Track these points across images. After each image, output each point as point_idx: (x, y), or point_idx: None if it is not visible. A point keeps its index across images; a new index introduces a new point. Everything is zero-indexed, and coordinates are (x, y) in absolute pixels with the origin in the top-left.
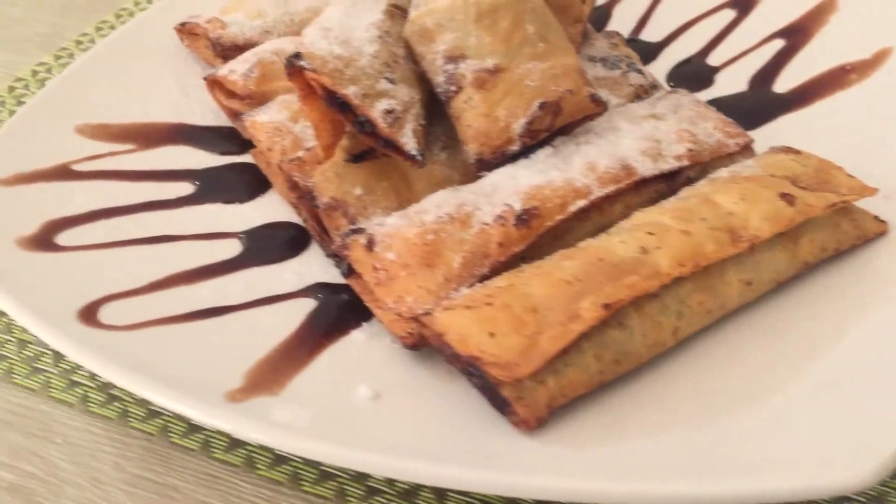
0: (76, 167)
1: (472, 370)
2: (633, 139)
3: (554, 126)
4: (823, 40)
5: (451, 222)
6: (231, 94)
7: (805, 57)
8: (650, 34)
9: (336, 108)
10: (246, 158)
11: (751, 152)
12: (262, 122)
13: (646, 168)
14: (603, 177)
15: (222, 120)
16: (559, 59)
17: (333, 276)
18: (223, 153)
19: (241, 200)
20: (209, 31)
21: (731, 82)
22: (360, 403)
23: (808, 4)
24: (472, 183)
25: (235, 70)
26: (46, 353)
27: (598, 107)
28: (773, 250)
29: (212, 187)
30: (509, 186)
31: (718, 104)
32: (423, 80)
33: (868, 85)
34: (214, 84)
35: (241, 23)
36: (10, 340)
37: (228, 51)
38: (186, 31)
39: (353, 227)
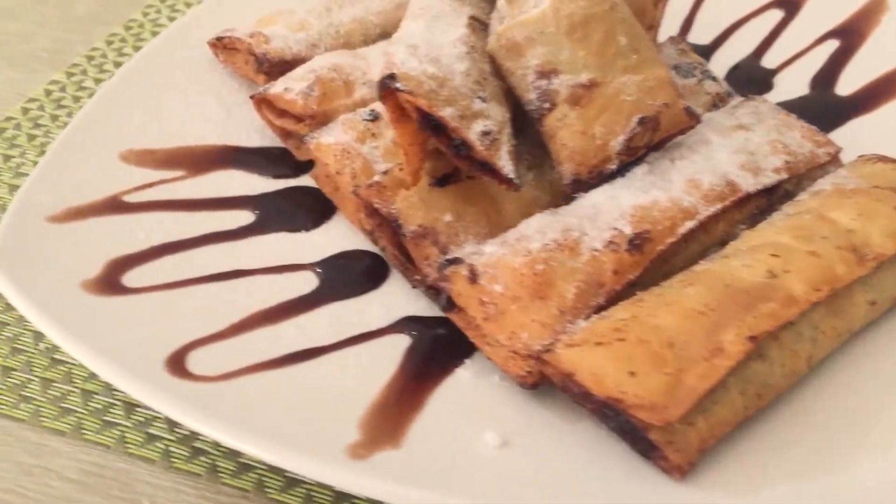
0: (128, 198)
1: (608, 412)
2: (727, 153)
3: (652, 142)
4: (879, 41)
5: (559, 250)
6: (282, 114)
7: (863, 58)
8: (696, 37)
9: (430, 131)
10: (302, 181)
11: (839, 161)
12: (329, 143)
13: (748, 184)
14: (708, 195)
15: (269, 140)
16: (652, 71)
17: (422, 308)
18: (276, 176)
19: (307, 228)
20: (253, 47)
21: (791, 85)
22: (489, 452)
23: (857, 4)
24: (565, 204)
25: (291, 88)
26: (116, 405)
27: (693, 120)
28: (894, 267)
29: (273, 214)
30: (612, 208)
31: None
32: (508, 97)
33: None
34: (262, 103)
35: (285, 36)
36: (73, 391)
37: (274, 67)
38: (223, 46)
39: (448, 257)
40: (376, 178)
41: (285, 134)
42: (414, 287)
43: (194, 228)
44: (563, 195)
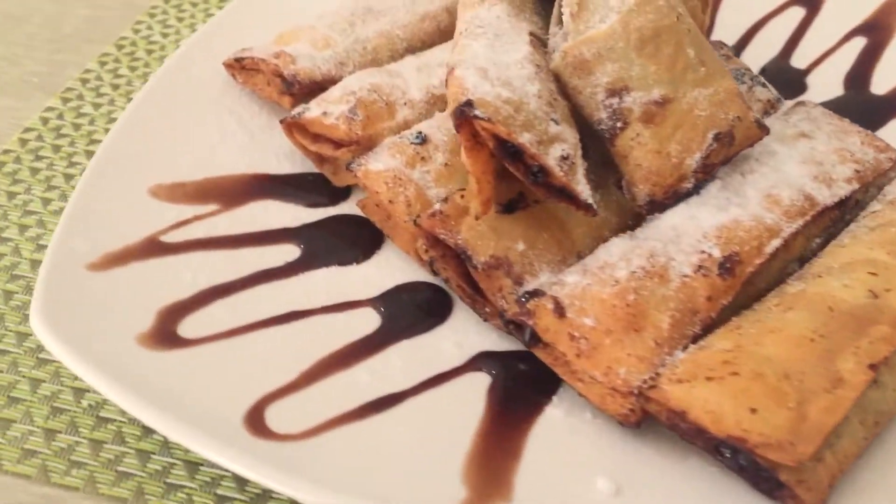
0: (165, 238)
1: (725, 450)
2: (796, 163)
3: (728, 158)
4: None
5: (648, 277)
6: (317, 138)
7: (894, 54)
8: (720, 37)
9: (507, 158)
10: (342, 209)
11: None
12: (378, 170)
13: (824, 196)
14: (789, 210)
15: (299, 165)
16: (720, 83)
17: (494, 341)
18: (314, 205)
19: (358, 260)
20: (281, 68)
21: (825, 86)
22: (605, 501)
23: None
24: (633, 225)
25: (331, 112)
26: (176, 464)
27: (763, 132)
28: None
29: (319, 247)
30: (693, 229)
31: None
32: (575, 117)
33: None
34: (294, 127)
35: (311, 55)
36: (129, 452)
37: (304, 88)
38: (242, 67)
39: (526, 289)
40: (437, 206)
41: (320, 159)
42: (485, 320)
43: (240, 267)
44: (632, 216)
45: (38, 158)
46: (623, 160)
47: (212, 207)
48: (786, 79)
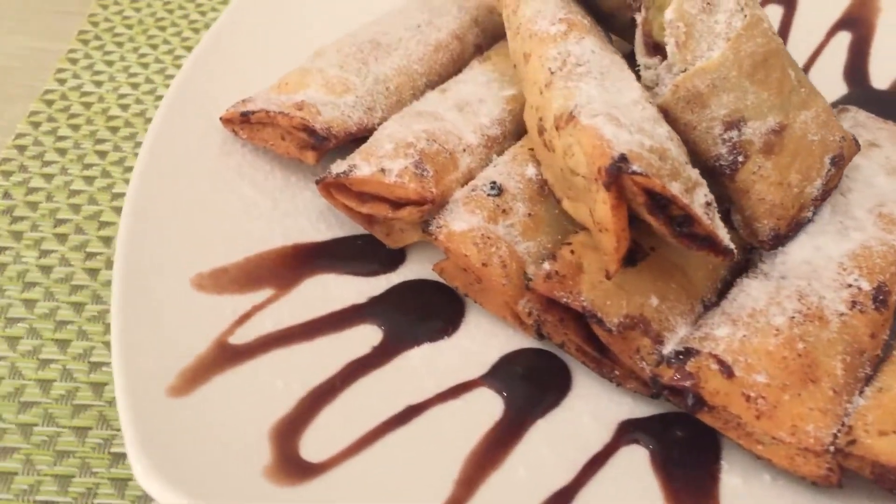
0: (234, 340)
1: None
2: (883, 176)
3: (839, 181)
4: (889, 26)
5: (808, 321)
6: (367, 197)
7: (883, 46)
8: None
9: (657, 211)
10: (405, 274)
11: None
12: (463, 231)
13: None
14: None
15: (336, 227)
16: (818, 103)
17: (632, 408)
18: (372, 273)
19: (448, 333)
20: (309, 121)
21: (828, 84)
22: None
23: None
24: (762, 263)
25: (390, 169)
26: None
27: (857, 148)
28: None
29: (401, 324)
30: (826, 261)
31: None
32: None
33: None
34: (333, 187)
35: (333, 102)
36: None
37: (340, 142)
38: (250, 121)
39: (676, 349)
40: (546, 266)
41: (370, 220)
42: (617, 384)
43: (326, 361)
44: (742, 251)
45: (16, 220)
46: (744, 195)
47: (267, 292)
48: None
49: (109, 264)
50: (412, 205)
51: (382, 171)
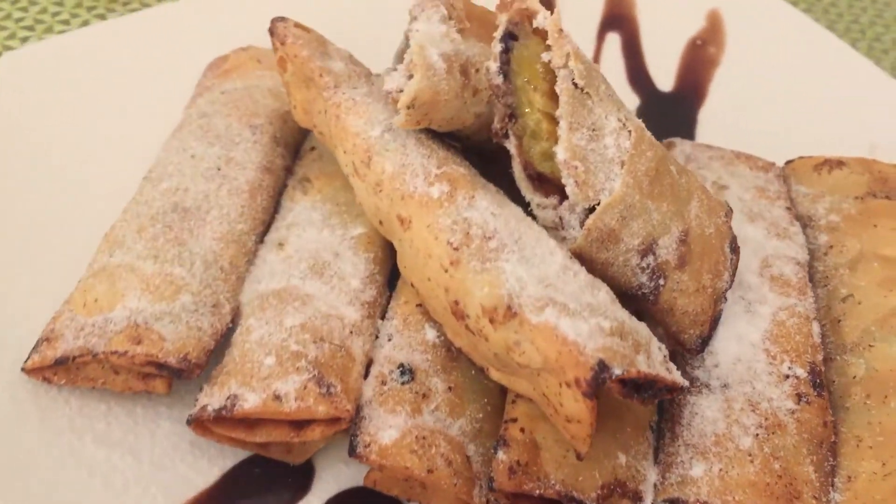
0: None
1: None
2: (749, 226)
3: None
4: (652, 20)
5: (771, 434)
6: (257, 424)
7: (651, 43)
8: None
9: (630, 392)
10: (326, 490)
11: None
12: (395, 440)
13: (799, 253)
14: (797, 286)
15: (219, 458)
16: (695, 184)
17: None
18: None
19: None
20: (159, 356)
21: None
22: None
23: None
24: (691, 367)
25: (285, 392)
26: None
27: (731, 211)
28: None
29: None
30: (751, 351)
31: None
32: None
33: (734, 51)
34: (213, 423)
35: (170, 313)
36: None
37: (197, 371)
38: (61, 369)
39: (664, 502)
40: (502, 456)
41: (263, 445)
42: None
43: None
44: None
45: None
46: (668, 314)
47: None
48: None
49: None
50: (321, 423)
51: (277, 397)
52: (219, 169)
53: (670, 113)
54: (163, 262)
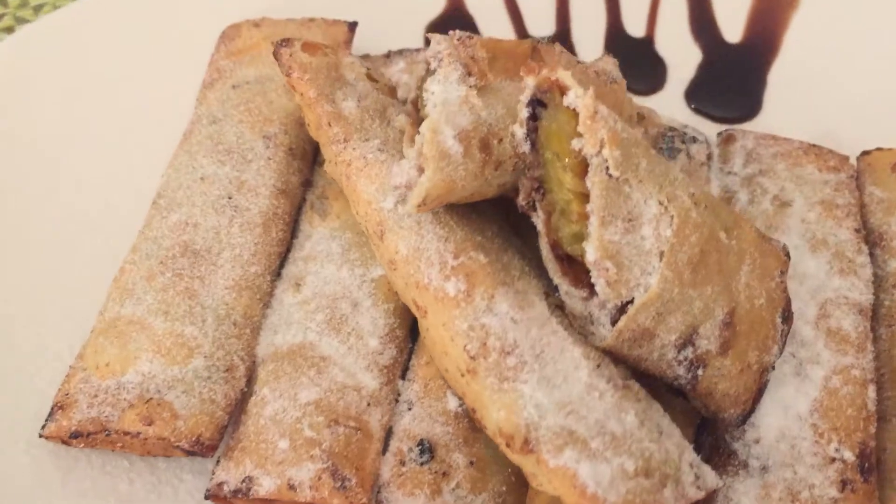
0: None
1: None
2: (810, 258)
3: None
4: None
5: None
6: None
7: None
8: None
9: None
10: None
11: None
12: None
13: (864, 296)
14: (857, 339)
15: None
16: (748, 239)
17: None
18: None
19: None
20: (171, 439)
21: (677, 46)
22: None
23: None
24: (732, 440)
25: (300, 481)
26: None
27: (789, 257)
28: None
29: None
30: (797, 426)
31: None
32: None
33: None
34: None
35: (183, 379)
36: None
37: (210, 453)
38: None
39: None
40: None
41: None
42: None
43: None
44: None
45: None
46: (708, 398)
47: None
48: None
49: None
50: None
51: (291, 487)
52: (230, 198)
53: (735, 73)
54: (173, 320)
